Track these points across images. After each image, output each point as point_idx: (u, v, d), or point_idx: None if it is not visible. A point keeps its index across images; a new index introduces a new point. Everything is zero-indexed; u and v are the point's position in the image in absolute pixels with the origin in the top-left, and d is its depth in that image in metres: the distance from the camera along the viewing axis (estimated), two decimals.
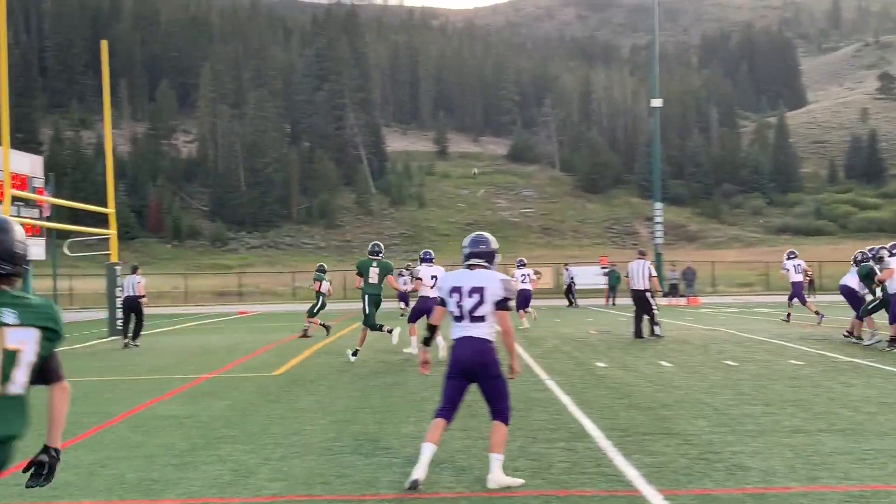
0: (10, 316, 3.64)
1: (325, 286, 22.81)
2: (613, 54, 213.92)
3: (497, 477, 6.44)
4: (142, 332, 21.51)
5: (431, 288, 15.88)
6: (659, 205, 44.14)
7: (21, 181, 33.97)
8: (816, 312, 22.39)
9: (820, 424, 8.61)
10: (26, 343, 3.66)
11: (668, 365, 13.97)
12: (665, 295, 43.77)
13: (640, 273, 19.18)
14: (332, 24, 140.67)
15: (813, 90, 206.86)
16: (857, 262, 17.81)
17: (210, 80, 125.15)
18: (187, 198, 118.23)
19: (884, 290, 16.35)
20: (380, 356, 16.51)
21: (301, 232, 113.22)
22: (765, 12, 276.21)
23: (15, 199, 31.90)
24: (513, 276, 25.56)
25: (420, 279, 16.28)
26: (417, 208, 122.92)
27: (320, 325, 22.07)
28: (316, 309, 22.34)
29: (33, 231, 36.46)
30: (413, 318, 16.67)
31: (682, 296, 42.82)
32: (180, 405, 10.74)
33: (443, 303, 6.79)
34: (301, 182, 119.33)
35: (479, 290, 6.59)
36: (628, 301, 20.71)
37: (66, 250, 32.48)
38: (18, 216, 32.84)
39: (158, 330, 27.78)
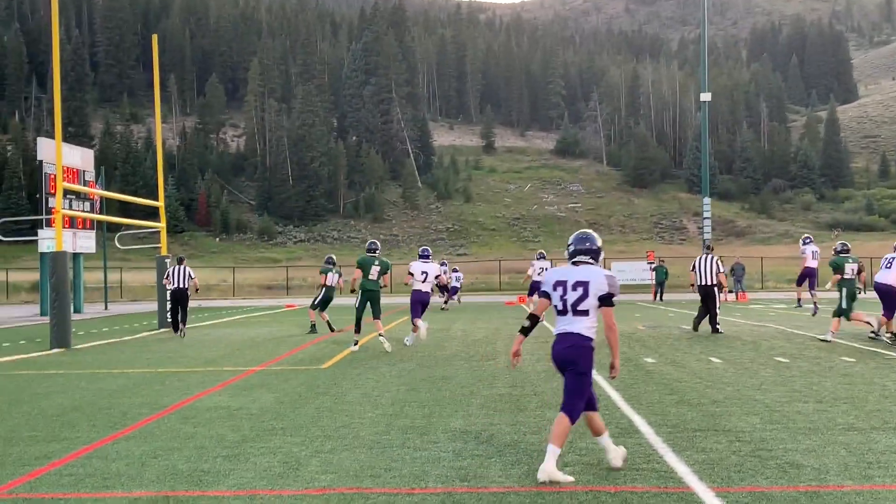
0: None
1: (333, 278, 22.19)
2: (662, 48, 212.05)
3: (549, 468, 6.39)
4: (187, 322, 22.09)
5: (423, 283, 17.10)
6: (707, 200, 43.76)
7: (73, 174, 34.45)
8: (815, 304, 22.48)
9: (873, 422, 8.48)
10: None
11: (718, 361, 13.82)
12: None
13: (708, 268, 19.44)
14: (379, 18, 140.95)
15: (864, 84, 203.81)
16: None
17: (258, 74, 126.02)
18: (235, 192, 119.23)
19: None
20: (428, 350, 16.51)
21: (348, 226, 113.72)
22: (815, 5, 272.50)
23: (67, 191, 32.37)
24: (531, 268, 26.83)
25: (411, 274, 17.08)
26: (464, 203, 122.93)
27: (326, 322, 21.44)
28: (317, 301, 22.04)
29: (84, 224, 36.97)
30: (412, 310, 17.26)
31: (730, 291, 42.36)
32: (230, 397, 10.82)
33: (546, 296, 6.84)
34: (348, 176, 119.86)
35: (583, 285, 6.65)
36: (675, 297, 20.58)
37: (116, 243, 32.88)
38: (70, 209, 33.31)
39: (207, 322, 28.03)
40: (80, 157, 36.91)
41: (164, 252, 26.47)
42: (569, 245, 6.98)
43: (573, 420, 6.58)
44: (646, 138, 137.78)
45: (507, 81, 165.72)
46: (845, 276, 16.99)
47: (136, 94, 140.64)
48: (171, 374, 13.49)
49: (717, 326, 19.25)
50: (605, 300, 6.62)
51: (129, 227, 36.73)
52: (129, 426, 8.91)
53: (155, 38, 27.78)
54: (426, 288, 17.30)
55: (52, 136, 29.02)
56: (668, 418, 8.80)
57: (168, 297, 22.72)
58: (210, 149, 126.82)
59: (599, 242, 6.98)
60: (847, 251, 17.51)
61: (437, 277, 17.99)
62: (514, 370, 12.86)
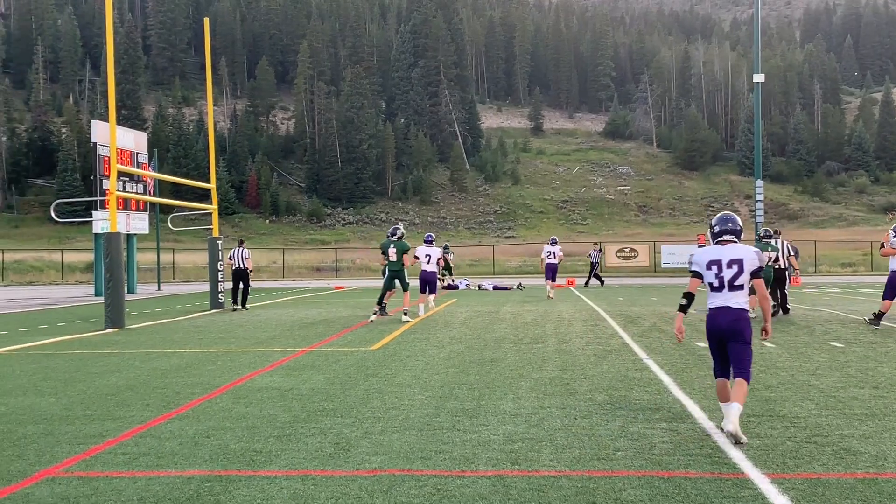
0: None
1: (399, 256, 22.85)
2: (713, 29, 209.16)
3: (734, 421, 7.05)
4: (248, 299, 25.06)
5: (427, 264, 20.65)
6: (760, 182, 43.15)
7: (126, 157, 34.85)
8: None
9: None
10: None
11: (772, 346, 13.65)
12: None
13: (780, 251, 19.71)
14: (427, 0, 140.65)
15: None
16: None
17: (308, 57, 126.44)
18: (285, 174, 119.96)
19: None
20: (477, 332, 16.51)
21: (396, 208, 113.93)
22: None
23: (120, 174, 32.77)
24: (543, 251, 29.48)
25: (417, 257, 20.30)
26: (511, 185, 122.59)
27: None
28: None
29: (138, 206, 37.41)
30: (420, 287, 21.00)
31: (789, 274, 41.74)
32: (281, 378, 10.89)
33: (697, 275, 7.66)
34: (396, 158, 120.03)
35: (737, 262, 7.45)
36: None
37: (169, 224, 33.24)
38: (124, 191, 33.72)
39: (258, 304, 28.26)
40: (134, 140, 37.32)
41: (215, 234, 26.67)
42: (713, 226, 7.70)
43: (748, 380, 7.38)
44: (697, 120, 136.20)
45: (555, 63, 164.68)
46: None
47: (188, 78, 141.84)
48: (222, 355, 13.62)
49: (788, 307, 19.98)
50: (756, 273, 7.45)
51: (181, 208, 37.10)
52: (182, 406, 9.00)
53: (207, 21, 27.93)
54: (431, 268, 20.78)
55: (105, 119, 29.39)
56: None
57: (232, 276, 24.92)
58: (260, 131, 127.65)
59: (740, 223, 7.73)
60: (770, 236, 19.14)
61: (438, 260, 21.22)
62: (561, 354, 12.83)
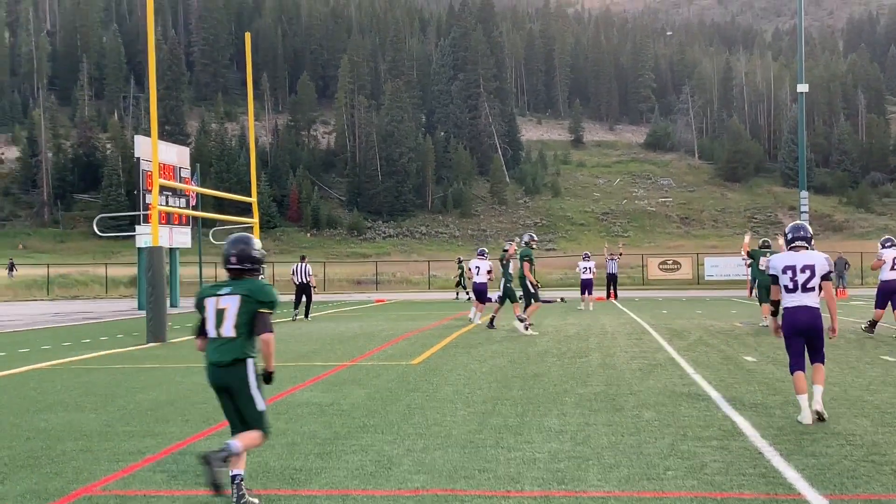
0: (227, 288, 5.95)
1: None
2: (755, 39, 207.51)
3: (819, 401, 8.32)
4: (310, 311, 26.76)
5: (477, 275, 22.90)
6: (805, 193, 42.56)
7: (169, 171, 35.06)
8: None
9: None
10: (230, 305, 5.88)
11: None
12: None
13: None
14: (467, 14, 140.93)
15: None
16: None
17: (348, 72, 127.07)
18: (325, 187, 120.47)
19: None
20: (519, 346, 16.31)
21: (436, 221, 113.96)
22: None
23: (163, 188, 32.96)
24: (577, 267, 30.97)
25: (469, 269, 23.31)
26: (552, 197, 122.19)
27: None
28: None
29: (180, 220, 37.63)
30: (477, 298, 23.17)
31: (845, 288, 41.13)
32: (321, 392, 10.77)
33: (775, 280, 8.59)
34: (436, 171, 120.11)
35: (810, 267, 8.43)
36: None
37: (211, 238, 33.35)
38: (166, 205, 33.91)
39: (300, 318, 28.23)
40: (176, 155, 37.53)
41: None
42: (787, 234, 8.75)
43: (824, 362, 8.65)
44: (739, 131, 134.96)
45: (595, 75, 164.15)
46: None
47: (231, 93, 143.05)
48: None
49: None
50: (826, 277, 8.46)
51: (223, 222, 37.24)
52: (222, 422, 8.84)
53: (248, 36, 28.05)
54: (481, 279, 22.86)
55: (149, 135, 29.51)
56: (773, 420, 8.45)
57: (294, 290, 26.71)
58: (301, 145, 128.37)
59: (811, 231, 8.76)
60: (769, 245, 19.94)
61: (489, 271, 22.88)
62: (606, 369, 12.62)
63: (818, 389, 8.39)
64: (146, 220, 33.29)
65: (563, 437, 7.76)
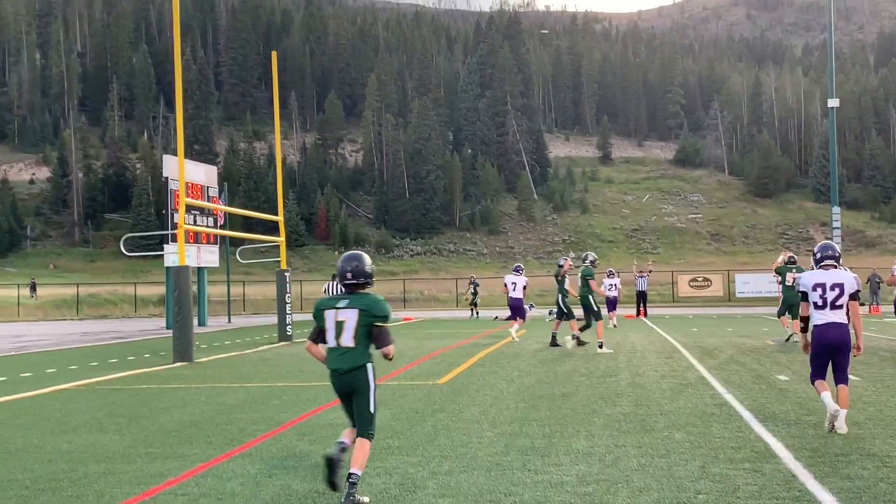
0: (345, 301, 6.58)
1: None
2: (785, 54, 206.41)
3: (843, 426, 8.59)
4: None
5: (513, 291, 22.59)
6: (837, 209, 42.13)
7: (196, 190, 35.18)
8: None
9: None
10: (349, 318, 6.50)
11: (856, 378, 13.05)
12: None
13: None
14: (494, 31, 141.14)
15: None
16: None
17: (375, 90, 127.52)
18: (353, 205, 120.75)
19: None
20: (547, 365, 16.12)
21: (464, 238, 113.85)
22: None
23: (191, 207, 33.06)
24: (602, 285, 29.83)
25: (505, 285, 22.81)
26: (580, 214, 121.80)
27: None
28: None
29: (208, 239, 37.73)
30: (513, 313, 22.98)
31: (862, 304, 40.60)
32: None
33: (805, 297, 8.91)
34: (463, 189, 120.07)
35: (839, 286, 8.75)
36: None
37: (238, 257, 33.40)
38: (194, 224, 34.00)
39: None
40: (204, 174, 37.70)
41: (283, 266, 26.65)
42: (815, 253, 9.07)
43: (847, 384, 8.98)
44: (769, 146, 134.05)
45: (623, 91, 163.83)
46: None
47: (259, 112, 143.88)
48: (288, 389, 13.44)
49: None
50: (854, 296, 8.84)
51: (250, 241, 37.28)
52: (246, 443, 8.80)
53: (274, 55, 28.11)
54: (516, 295, 22.59)
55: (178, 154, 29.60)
56: (806, 441, 8.24)
57: None
58: (329, 164, 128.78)
59: (839, 250, 9.13)
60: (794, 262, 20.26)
61: (524, 287, 22.71)
62: (635, 388, 12.43)
63: (843, 413, 8.61)
64: (174, 239, 33.41)
65: (591, 460, 7.59)
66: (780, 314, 20.61)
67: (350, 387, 6.63)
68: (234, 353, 21.21)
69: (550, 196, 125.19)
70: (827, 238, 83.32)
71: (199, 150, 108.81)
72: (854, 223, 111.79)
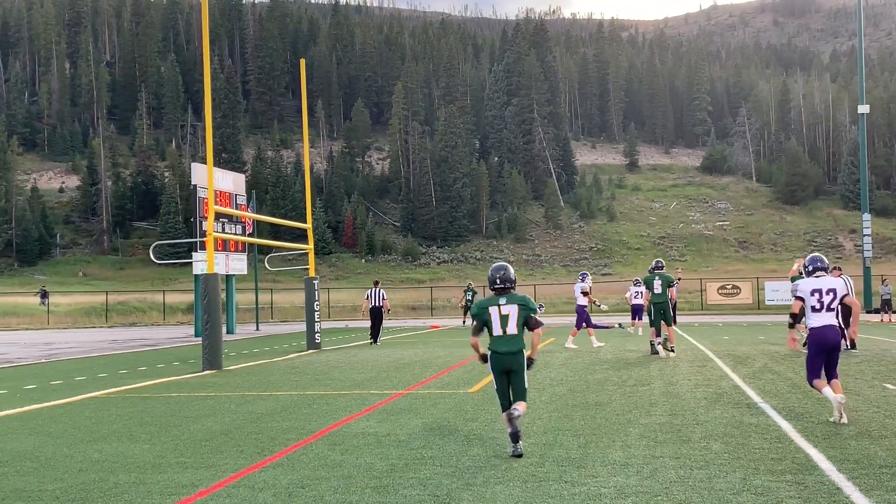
0: (503, 299, 8.52)
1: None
2: (812, 61, 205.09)
3: (842, 413, 9.75)
4: (380, 335, 27.28)
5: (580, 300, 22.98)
6: (867, 216, 41.77)
7: (225, 198, 35.26)
8: None
9: None
10: (511, 312, 8.46)
11: (894, 388, 12.83)
12: (877, 311, 41.35)
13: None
14: (520, 39, 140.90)
15: None
16: None
17: (402, 98, 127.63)
18: (380, 213, 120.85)
19: None
20: (578, 374, 15.96)
21: (490, 246, 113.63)
22: None
23: (219, 215, 33.13)
24: (628, 292, 31.69)
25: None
26: (607, 222, 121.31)
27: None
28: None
29: (237, 247, 37.80)
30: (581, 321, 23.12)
31: (894, 312, 40.16)
32: (377, 422, 10.54)
33: (801, 299, 10.11)
34: (490, 196, 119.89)
35: (832, 290, 9.95)
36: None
37: (266, 265, 33.42)
38: (222, 232, 34.07)
39: (353, 344, 28.13)
40: (233, 182, 37.79)
41: (311, 274, 26.60)
42: (807, 266, 10.26)
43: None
44: (797, 153, 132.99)
45: (650, 98, 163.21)
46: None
47: (286, 121, 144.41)
48: (318, 398, 13.36)
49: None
50: (846, 297, 10.07)
51: (278, 249, 37.30)
52: (277, 452, 8.71)
53: (303, 62, 28.13)
54: (582, 302, 23.02)
55: (206, 162, 29.56)
56: (848, 452, 8.04)
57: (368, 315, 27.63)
58: (356, 172, 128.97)
59: (827, 261, 10.36)
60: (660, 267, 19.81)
61: (587, 294, 22.93)
62: (669, 398, 12.24)
63: (843, 398, 9.80)
64: (202, 246, 33.47)
65: (628, 471, 7.44)
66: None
67: (511, 366, 8.47)
68: (262, 361, 21.18)
69: (577, 203, 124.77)
70: (857, 246, 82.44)
71: (226, 159, 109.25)
72: (884, 230, 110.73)
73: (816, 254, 10.55)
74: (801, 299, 10.08)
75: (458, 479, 7.26)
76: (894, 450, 8.14)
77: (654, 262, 20.08)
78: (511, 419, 8.18)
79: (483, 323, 8.56)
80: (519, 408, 8.31)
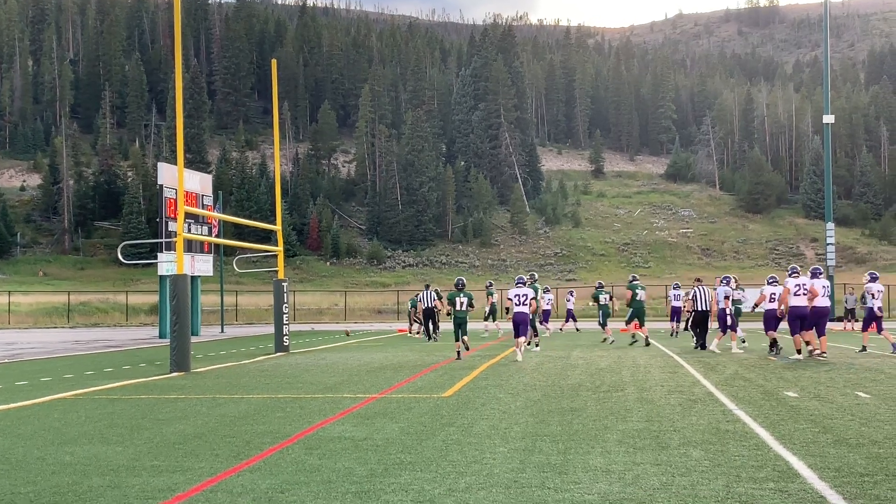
0: (523, 289, 20.70)
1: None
2: (776, 71, 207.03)
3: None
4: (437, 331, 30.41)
5: (517, 305, 20.27)
6: (831, 225, 42.17)
7: (192, 199, 34.97)
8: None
9: None
10: (528, 294, 20.58)
11: (866, 396, 12.91)
12: (840, 319, 41.75)
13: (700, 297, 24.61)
14: (488, 44, 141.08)
15: None
16: None
17: (369, 101, 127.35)
18: (346, 216, 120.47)
19: None
20: (551, 379, 15.93)
21: (456, 250, 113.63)
22: None
23: (186, 215, 32.81)
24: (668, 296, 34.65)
25: (510, 298, 20.48)
26: (572, 228, 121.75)
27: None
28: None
29: (202, 247, 37.48)
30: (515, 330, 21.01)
31: (857, 321, 40.52)
32: (353, 426, 10.44)
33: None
34: (456, 201, 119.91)
35: (803, 286, 16.30)
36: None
37: (235, 266, 33.17)
38: (189, 232, 33.76)
39: (320, 347, 27.96)
40: (199, 183, 37.48)
41: (280, 276, 26.41)
42: (789, 272, 15.02)
43: None
44: (760, 162, 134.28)
45: (616, 106, 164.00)
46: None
47: (252, 122, 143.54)
48: (291, 401, 13.22)
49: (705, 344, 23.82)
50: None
51: (246, 250, 37.01)
52: (253, 456, 8.58)
53: (274, 63, 27.93)
54: (521, 309, 20.24)
55: (171, 162, 29.33)
56: (828, 461, 8.06)
57: (422, 314, 30.73)
58: (322, 174, 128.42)
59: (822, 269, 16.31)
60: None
61: (531, 301, 20.94)
62: (644, 404, 12.26)
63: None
64: (168, 247, 33.14)
65: (611, 477, 7.40)
66: (793, 333, 19.49)
67: (525, 320, 19.41)
68: (231, 364, 20.97)
69: (543, 209, 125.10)
70: (818, 254, 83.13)
71: (190, 159, 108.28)
72: (845, 240, 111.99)
73: (794, 265, 12.30)
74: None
75: (440, 485, 7.18)
76: (873, 458, 8.17)
77: (630, 276, 25.36)
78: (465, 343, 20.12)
79: (451, 302, 20.30)
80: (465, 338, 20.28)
